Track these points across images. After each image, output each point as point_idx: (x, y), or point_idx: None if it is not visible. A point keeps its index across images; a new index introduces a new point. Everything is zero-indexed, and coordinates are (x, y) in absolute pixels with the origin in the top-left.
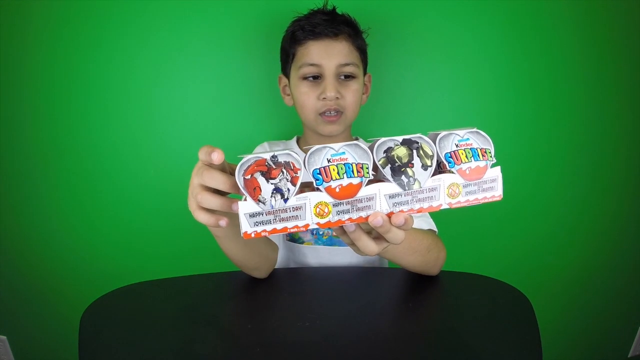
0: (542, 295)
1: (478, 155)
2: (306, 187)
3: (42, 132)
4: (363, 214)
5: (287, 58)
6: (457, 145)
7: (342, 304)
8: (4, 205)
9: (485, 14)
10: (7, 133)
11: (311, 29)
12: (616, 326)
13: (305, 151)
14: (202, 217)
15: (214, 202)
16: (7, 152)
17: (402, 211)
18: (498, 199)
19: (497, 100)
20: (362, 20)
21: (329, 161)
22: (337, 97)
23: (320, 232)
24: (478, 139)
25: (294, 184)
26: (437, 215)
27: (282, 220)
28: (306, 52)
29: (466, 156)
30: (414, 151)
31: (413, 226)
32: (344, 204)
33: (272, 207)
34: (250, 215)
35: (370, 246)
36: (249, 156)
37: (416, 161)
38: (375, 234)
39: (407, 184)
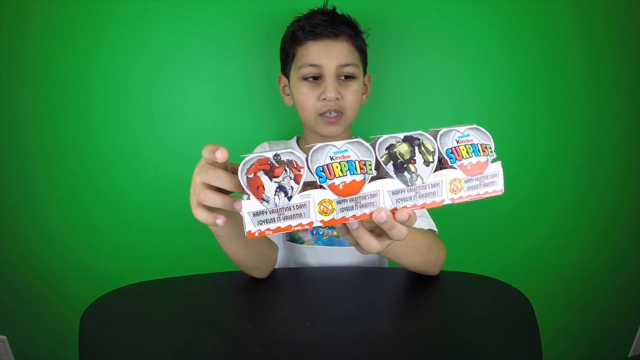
0: (542, 295)
1: (479, 150)
2: (308, 186)
3: (42, 132)
4: (367, 210)
5: (287, 58)
6: (457, 142)
7: (342, 304)
8: (4, 205)
9: (485, 14)
10: (7, 133)
11: (311, 29)
12: (616, 326)
13: (306, 150)
14: (200, 215)
15: (216, 200)
16: (7, 152)
17: (405, 207)
18: (499, 193)
19: (497, 100)
20: (362, 20)
21: (331, 159)
22: (337, 98)
23: (320, 232)
24: (478, 135)
25: (297, 182)
26: (437, 215)
27: (286, 218)
28: (306, 53)
29: (467, 152)
30: (416, 148)
31: (414, 226)
32: (348, 201)
33: (276, 205)
34: (254, 214)
35: (372, 244)
36: (252, 155)
37: (418, 157)
38: (378, 232)
39: (409, 180)
